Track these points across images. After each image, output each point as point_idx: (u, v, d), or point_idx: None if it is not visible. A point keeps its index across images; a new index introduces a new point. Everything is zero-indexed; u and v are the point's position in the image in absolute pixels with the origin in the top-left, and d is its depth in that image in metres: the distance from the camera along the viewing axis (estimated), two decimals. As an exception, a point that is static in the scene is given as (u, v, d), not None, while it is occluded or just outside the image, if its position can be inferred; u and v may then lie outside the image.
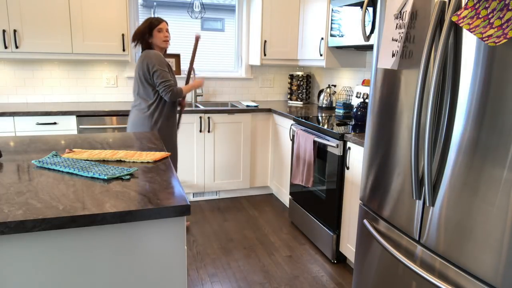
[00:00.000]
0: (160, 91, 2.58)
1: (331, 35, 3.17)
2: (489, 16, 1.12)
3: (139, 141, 2.05)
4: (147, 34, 2.58)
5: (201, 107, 3.71)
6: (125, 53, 3.48)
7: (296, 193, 3.18)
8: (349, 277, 2.51)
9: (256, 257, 2.73)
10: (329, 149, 2.63)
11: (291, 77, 4.23)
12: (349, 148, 2.43)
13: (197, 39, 2.88)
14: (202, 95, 4.11)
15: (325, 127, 2.68)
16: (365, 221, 1.86)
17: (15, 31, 3.17)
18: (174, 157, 2.91)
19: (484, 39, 1.12)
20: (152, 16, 3.47)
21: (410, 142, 1.51)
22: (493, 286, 1.20)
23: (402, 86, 1.58)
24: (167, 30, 2.62)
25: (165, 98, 2.60)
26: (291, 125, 3.19)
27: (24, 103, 3.55)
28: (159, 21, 2.58)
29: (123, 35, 3.44)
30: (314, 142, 2.71)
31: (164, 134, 2.73)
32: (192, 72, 3.26)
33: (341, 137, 2.48)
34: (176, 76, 3.99)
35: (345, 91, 3.67)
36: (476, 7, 1.16)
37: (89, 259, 1.14)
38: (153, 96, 2.63)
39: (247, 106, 3.81)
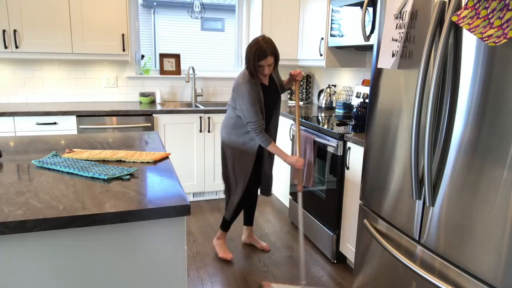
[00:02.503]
0: (249, 128, 2.42)
1: (331, 35, 3.17)
2: (489, 16, 1.12)
3: (139, 141, 2.05)
4: (253, 61, 2.31)
5: (201, 107, 3.71)
6: (125, 53, 3.48)
7: (296, 193, 3.18)
8: (349, 277, 2.51)
9: (256, 257, 2.73)
10: (329, 149, 2.63)
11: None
12: (349, 148, 2.43)
13: (295, 78, 2.51)
14: (202, 95, 4.11)
15: (325, 127, 2.68)
16: (365, 221, 1.86)
17: (15, 31, 3.17)
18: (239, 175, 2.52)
19: (484, 39, 1.12)
20: (153, 16, 3.44)
21: (410, 142, 1.51)
22: (493, 286, 1.20)
23: (402, 86, 1.58)
24: (269, 65, 2.32)
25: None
26: (291, 125, 3.19)
27: (24, 103, 3.55)
28: (264, 55, 2.27)
29: (123, 35, 3.44)
30: (314, 142, 2.71)
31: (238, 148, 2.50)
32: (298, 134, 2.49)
33: (341, 137, 2.48)
34: (174, 76, 3.99)
35: (345, 91, 3.67)
36: (476, 7, 1.16)
37: (89, 259, 1.14)
38: (235, 113, 2.50)
39: (247, 106, 3.80)
